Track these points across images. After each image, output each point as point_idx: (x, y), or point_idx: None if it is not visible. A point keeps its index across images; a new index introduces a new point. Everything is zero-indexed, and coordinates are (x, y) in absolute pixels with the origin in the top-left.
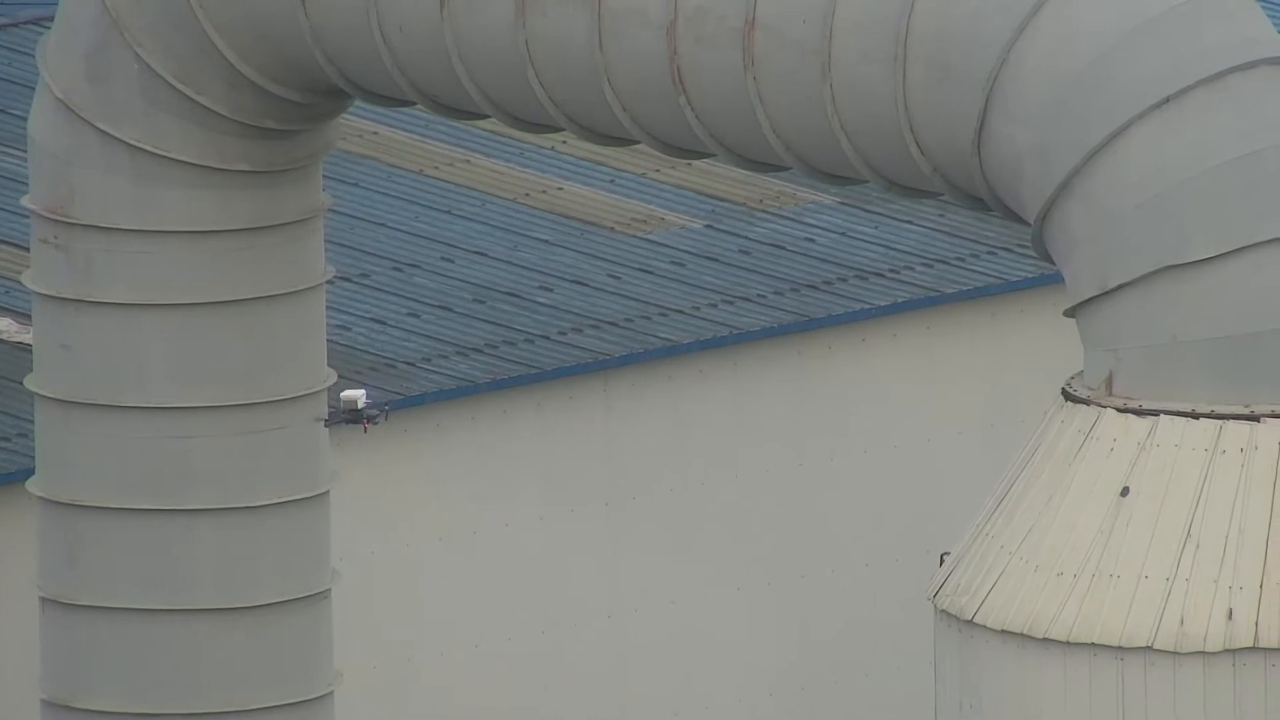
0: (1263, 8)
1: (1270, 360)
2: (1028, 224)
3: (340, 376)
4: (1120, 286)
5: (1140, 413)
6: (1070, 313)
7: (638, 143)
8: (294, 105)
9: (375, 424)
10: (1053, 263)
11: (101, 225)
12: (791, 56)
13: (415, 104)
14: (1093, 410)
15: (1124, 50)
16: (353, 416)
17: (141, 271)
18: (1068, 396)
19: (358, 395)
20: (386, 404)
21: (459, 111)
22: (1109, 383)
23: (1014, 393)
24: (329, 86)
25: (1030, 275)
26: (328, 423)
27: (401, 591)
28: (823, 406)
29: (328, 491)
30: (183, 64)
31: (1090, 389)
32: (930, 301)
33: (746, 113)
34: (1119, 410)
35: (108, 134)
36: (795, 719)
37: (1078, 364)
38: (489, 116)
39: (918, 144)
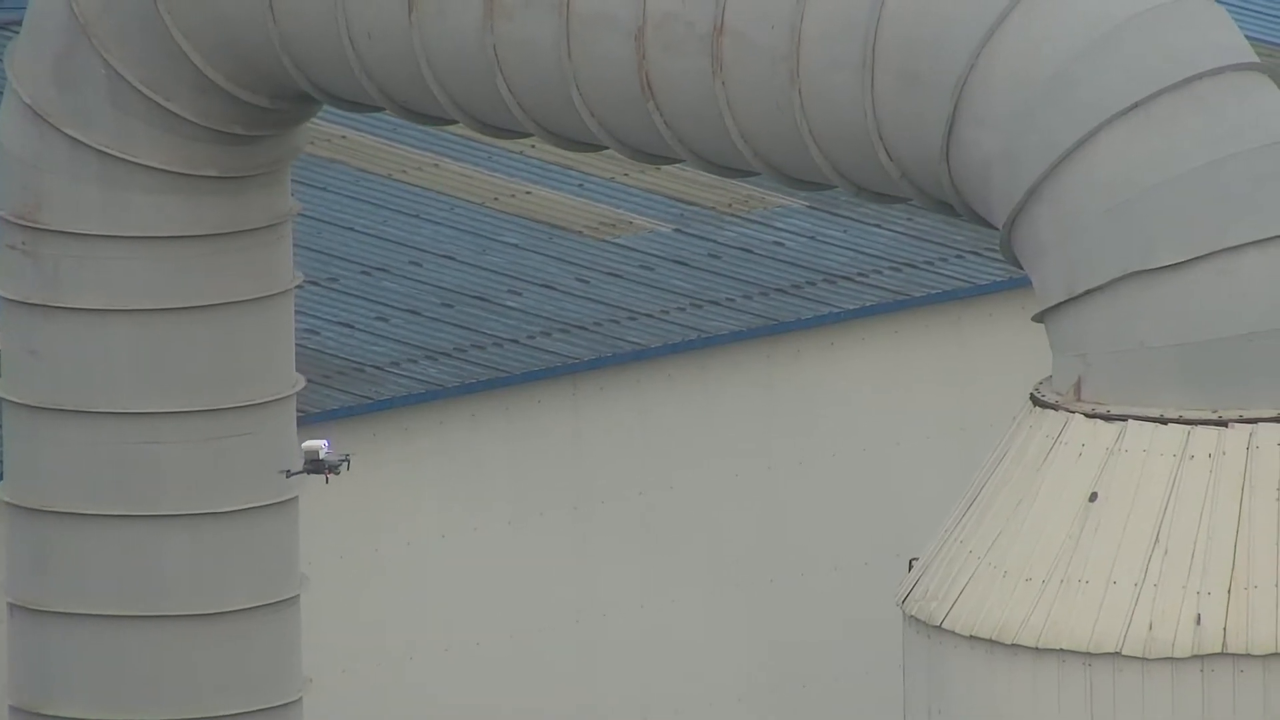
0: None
1: (1238, 365)
2: (996, 229)
3: (309, 381)
4: (1088, 292)
5: (1108, 418)
6: (1038, 318)
7: (606, 148)
8: (262, 111)
9: (337, 474)
10: (1021, 268)
11: (70, 231)
12: (760, 63)
13: (384, 109)
14: (1061, 415)
15: (1092, 57)
16: (314, 467)
17: (110, 277)
18: (1036, 401)
19: (319, 445)
20: (347, 454)
21: (428, 117)
22: (1077, 388)
23: (982, 396)
24: (297, 92)
25: (998, 279)
26: (290, 474)
27: (370, 596)
28: (791, 410)
29: (296, 497)
30: (151, 70)
31: (1059, 394)
32: (898, 305)
33: (715, 119)
34: (1087, 415)
35: (76, 139)
36: (762, 708)
37: (1046, 367)
38: (457, 122)
39: (886, 150)
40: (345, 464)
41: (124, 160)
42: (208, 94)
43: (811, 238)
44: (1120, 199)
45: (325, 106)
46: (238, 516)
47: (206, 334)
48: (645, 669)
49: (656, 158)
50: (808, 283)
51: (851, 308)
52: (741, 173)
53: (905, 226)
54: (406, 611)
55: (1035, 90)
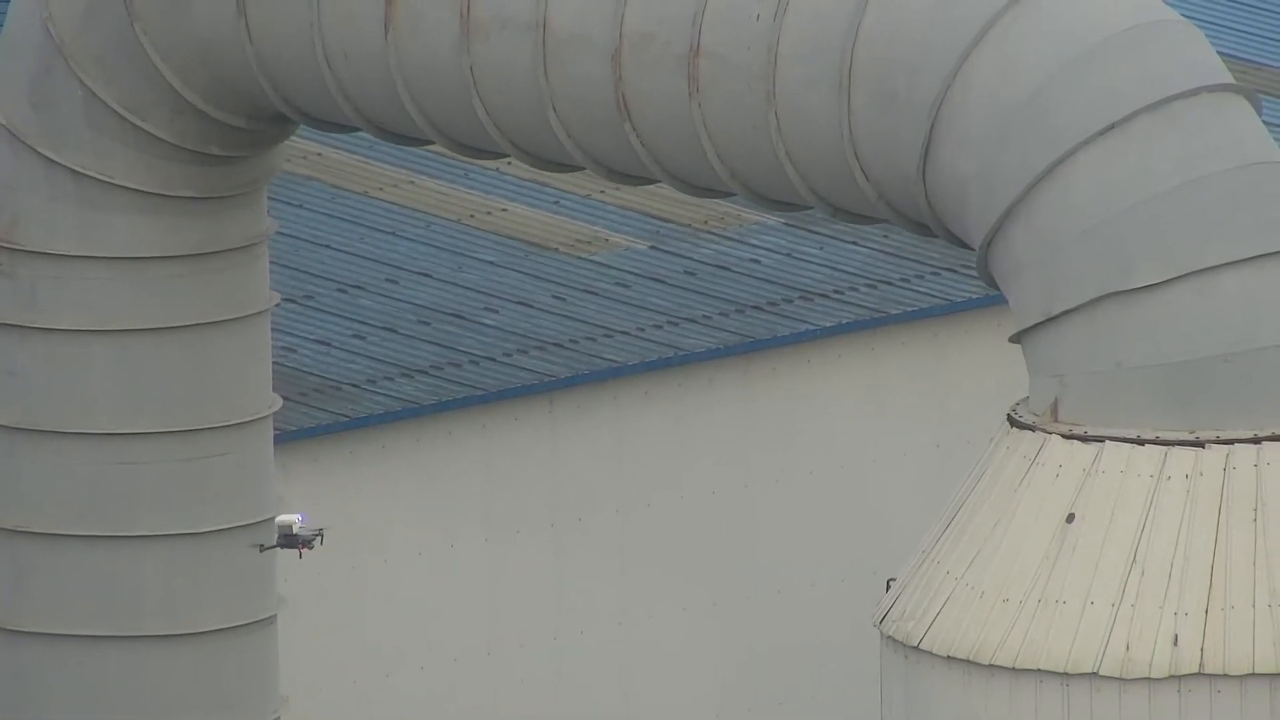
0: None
1: (1215, 386)
2: (972, 250)
3: (285, 398)
4: (1064, 313)
5: (1085, 439)
6: (1015, 339)
7: (583, 169)
8: (239, 131)
9: (310, 548)
10: (998, 289)
11: (46, 251)
12: (736, 83)
13: (360, 129)
14: (1038, 436)
15: (1067, 77)
16: (288, 541)
17: (87, 297)
18: (1013, 422)
19: (292, 520)
20: (321, 529)
21: (404, 137)
22: (1054, 408)
23: (959, 413)
24: (274, 112)
25: (975, 296)
26: (264, 548)
27: (347, 613)
28: (768, 427)
29: (273, 517)
30: (127, 90)
31: (1036, 414)
32: (875, 322)
33: (691, 139)
34: (1064, 436)
35: (52, 160)
36: None
37: (1022, 383)
38: (434, 142)
39: (863, 170)
40: (319, 539)
41: (100, 181)
42: (184, 114)
43: (788, 255)
44: (1096, 220)
45: (302, 126)
46: (214, 537)
47: (183, 354)
48: (622, 686)
49: (633, 178)
50: (784, 300)
51: (828, 325)
52: (718, 193)
53: (882, 244)
54: (383, 628)
55: (1011, 111)
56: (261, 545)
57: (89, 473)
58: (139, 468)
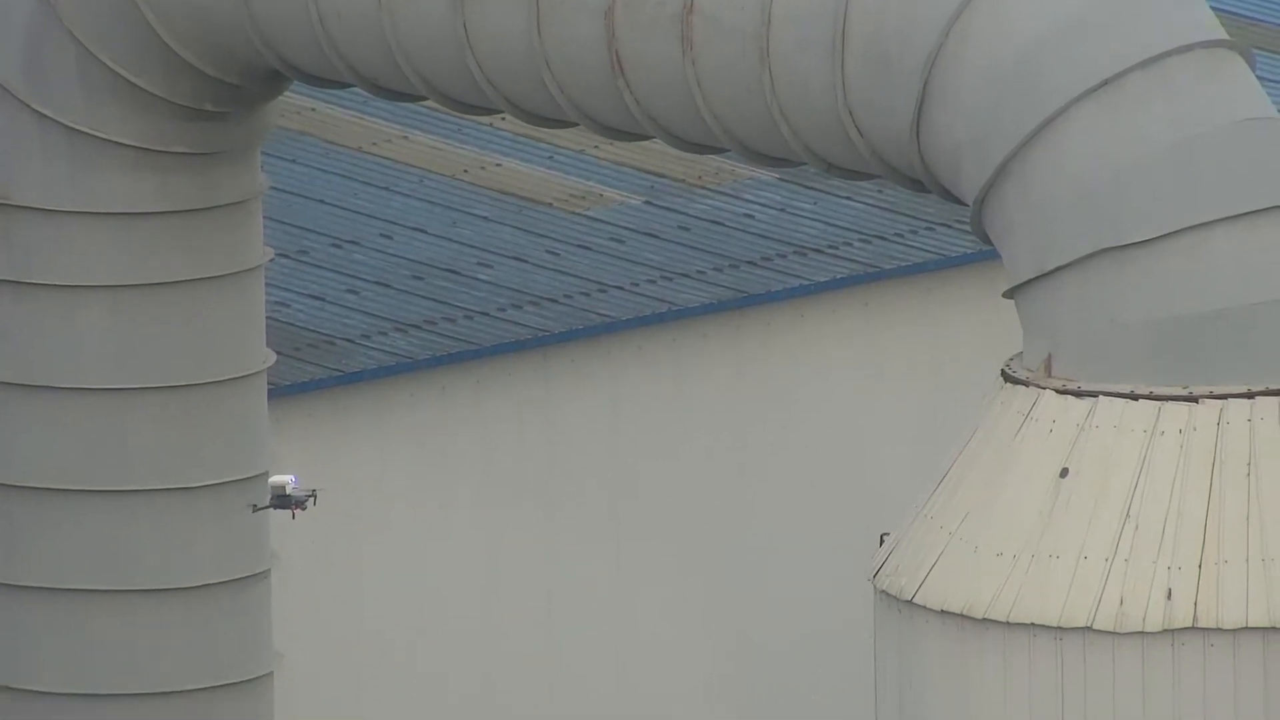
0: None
1: (1208, 342)
2: (967, 206)
3: (279, 353)
4: (1058, 269)
5: (1079, 394)
6: (1009, 294)
7: (577, 125)
8: (232, 88)
9: (303, 509)
10: (991, 245)
11: (39, 207)
12: (730, 43)
13: (354, 86)
14: (1032, 391)
15: (1060, 35)
16: (281, 501)
17: (79, 254)
18: (1007, 378)
19: (285, 480)
20: (313, 490)
21: (398, 94)
22: (1048, 364)
23: (953, 368)
24: (267, 69)
25: (969, 251)
26: (257, 509)
27: (340, 568)
28: (762, 382)
29: (266, 473)
30: (120, 47)
31: (1029, 370)
32: (869, 277)
33: (685, 98)
34: (1058, 392)
35: (45, 117)
36: (736, 697)
37: (1017, 338)
38: (427, 99)
39: (857, 129)
40: (312, 499)
41: (93, 137)
42: (178, 71)
43: (782, 210)
44: (1089, 177)
45: (296, 83)
46: (207, 492)
47: (176, 311)
48: (618, 638)
49: (627, 135)
50: (779, 255)
51: (822, 280)
52: (712, 150)
53: (876, 199)
54: (377, 583)
55: (1004, 70)
56: (254, 505)
57: (81, 429)
58: (132, 424)
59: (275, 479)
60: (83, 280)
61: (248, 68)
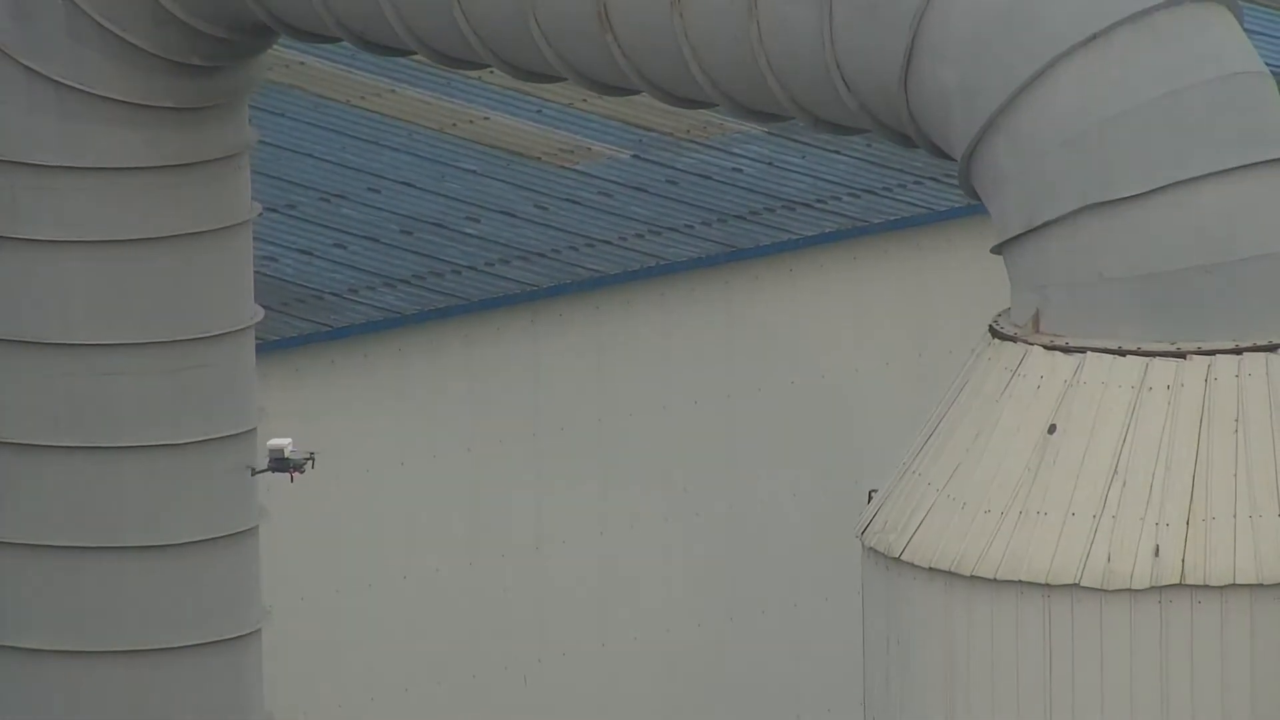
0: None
1: (1196, 297)
2: (954, 161)
3: (267, 308)
4: (1046, 224)
5: (1067, 350)
6: (997, 250)
7: (565, 79)
8: (220, 42)
9: (301, 472)
10: (979, 200)
11: (27, 162)
12: None
13: (342, 40)
14: (1020, 347)
15: None
16: (279, 464)
17: (67, 208)
18: (995, 334)
19: (284, 443)
20: (311, 453)
21: (385, 48)
22: (1036, 320)
23: (941, 322)
24: (255, 23)
25: (957, 205)
26: (255, 472)
27: (328, 523)
28: (750, 337)
29: (254, 429)
30: (109, 2)
31: (1017, 326)
32: (857, 232)
33: (673, 51)
34: (1046, 347)
35: (34, 71)
36: (722, 649)
37: (1005, 293)
38: (415, 54)
39: (845, 82)
40: (310, 462)
41: (81, 91)
42: (166, 25)
43: (770, 164)
44: (1078, 131)
45: (283, 37)
46: (195, 449)
47: (164, 266)
48: (604, 596)
49: (615, 89)
50: (766, 209)
51: (810, 234)
52: (700, 104)
53: (864, 153)
54: (365, 538)
55: (993, 22)
56: (252, 469)
57: (69, 384)
58: (119, 379)
59: (273, 442)
60: (70, 235)
61: (236, 21)
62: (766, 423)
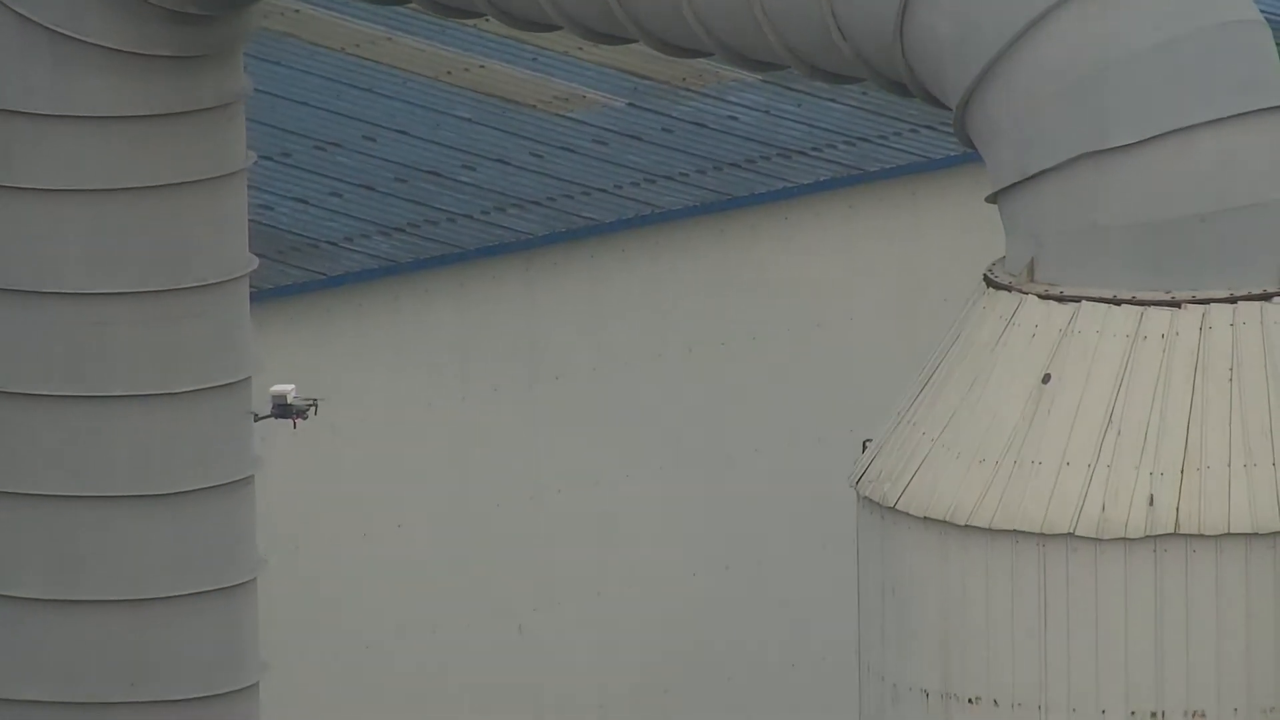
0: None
1: (1191, 246)
2: (950, 110)
3: (263, 257)
4: (1041, 173)
5: (1062, 299)
6: (992, 199)
7: (560, 29)
8: None
9: (304, 418)
10: (975, 149)
11: (20, 110)
12: None
13: None
14: (1014, 297)
15: None
16: (282, 411)
17: (60, 157)
18: (989, 283)
19: (287, 390)
20: (314, 399)
21: None
22: (1031, 269)
23: (937, 270)
24: None
25: (953, 153)
26: (258, 418)
27: (323, 472)
28: (745, 285)
29: (249, 378)
30: None
31: (1012, 275)
32: (853, 180)
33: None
34: (1040, 297)
35: (26, 18)
36: (719, 599)
37: (1000, 241)
38: (410, 2)
39: (840, 30)
40: (313, 409)
41: (75, 39)
42: None
43: (765, 112)
44: (1073, 80)
45: None
46: (189, 398)
47: (158, 214)
48: (600, 545)
49: (610, 37)
50: (762, 157)
51: (806, 182)
52: (695, 53)
53: (860, 101)
54: (361, 487)
55: None
56: (255, 415)
57: (63, 333)
58: (113, 328)
59: (276, 388)
60: (64, 184)
61: None
62: (762, 371)
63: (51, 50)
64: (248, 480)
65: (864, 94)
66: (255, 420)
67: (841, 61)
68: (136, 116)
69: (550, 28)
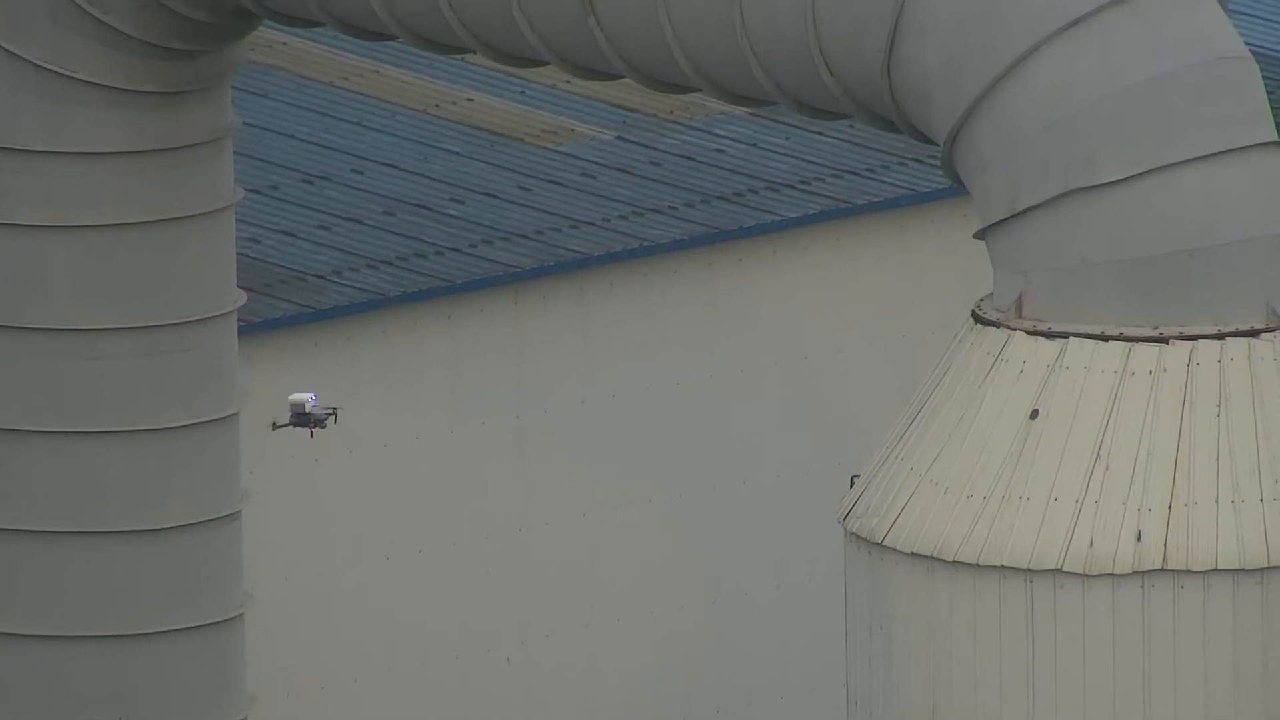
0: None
1: (1178, 282)
2: (937, 145)
3: (250, 290)
4: (1029, 209)
5: (1049, 335)
6: (980, 235)
7: (548, 64)
8: (202, 25)
9: (323, 427)
10: (962, 184)
11: (8, 146)
12: None
13: (324, 25)
14: (1002, 332)
15: None
16: (300, 419)
17: (48, 192)
18: (977, 318)
19: (304, 399)
20: (334, 408)
21: (368, 33)
22: (1019, 304)
23: (924, 304)
24: (237, 6)
25: (941, 186)
26: (276, 426)
27: (312, 506)
28: (733, 318)
29: (237, 413)
30: None
31: (1000, 311)
32: (841, 213)
33: (656, 34)
34: (1028, 332)
35: (14, 54)
36: (707, 630)
37: (986, 274)
38: (397, 38)
39: (828, 66)
40: (332, 417)
41: (62, 75)
42: (147, 8)
43: (753, 145)
44: (1061, 115)
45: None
46: (178, 433)
47: (146, 250)
48: (588, 577)
49: (598, 74)
50: (750, 190)
51: (794, 215)
52: (684, 90)
53: (848, 134)
54: (349, 521)
55: (975, 5)
56: (274, 423)
57: (51, 368)
58: (101, 363)
59: (295, 396)
60: (51, 220)
61: (217, 5)
62: (750, 404)
63: (39, 86)
64: (235, 515)
65: (852, 127)
66: (274, 428)
67: (829, 97)
68: (124, 152)
69: (537, 64)
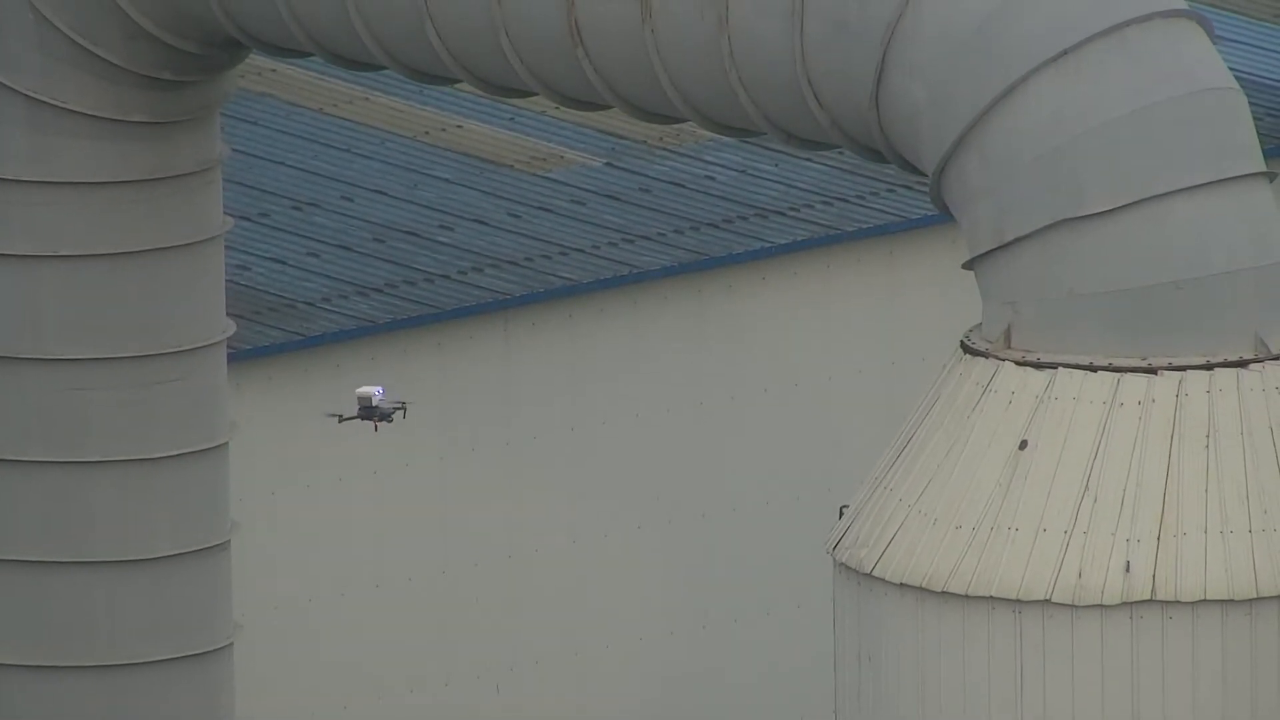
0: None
1: (1167, 313)
2: (925, 177)
3: (240, 317)
4: (1017, 240)
5: (1038, 365)
6: (968, 265)
7: (536, 94)
8: (191, 56)
9: (389, 422)
10: (951, 215)
11: None
12: (689, 9)
13: (313, 55)
14: (991, 363)
15: (1020, 4)
16: (367, 412)
17: (38, 223)
18: (966, 349)
19: (371, 392)
20: (403, 402)
21: (357, 64)
22: (1007, 335)
23: (913, 330)
24: (226, 37)
25: (929, 213)
26: (342, 419)
27: (301, 532)
28: (723, 345)
29: (226, 443)
30: (79, 15)
31: (988, 341)
32: (830, 239)
33: (644, 66)
34: (1017, 363)
35: (4, 85)
36: (696, 657)
37: (975, 300)
38: (386, 68)
39: (816, 98)
40: (401, 411)
41: (52, 105)
42: (137, 39)
43: (742, 172)
44: (1049, 147)
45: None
46: (167, 463)
47: (135, 280)
48: (578, 604)
49: (587, 104)
50: (739, 217)
51: (783, 242)
52: (672, 120)
53: (837, 160)
54: (338, 547)
55: (964, 38)
56: (340, 416)
57: (40, 397)
58: (90, 393)
59: (362, 390)
60: (41, 249)
61: (207, 36)
62: (739, 431)
63: (28, 116)
64: (224, 545)
65: (841, 154)
66: (340, 421)
67: (817, 128)
68: (113, 182)
69: (526, 94)
